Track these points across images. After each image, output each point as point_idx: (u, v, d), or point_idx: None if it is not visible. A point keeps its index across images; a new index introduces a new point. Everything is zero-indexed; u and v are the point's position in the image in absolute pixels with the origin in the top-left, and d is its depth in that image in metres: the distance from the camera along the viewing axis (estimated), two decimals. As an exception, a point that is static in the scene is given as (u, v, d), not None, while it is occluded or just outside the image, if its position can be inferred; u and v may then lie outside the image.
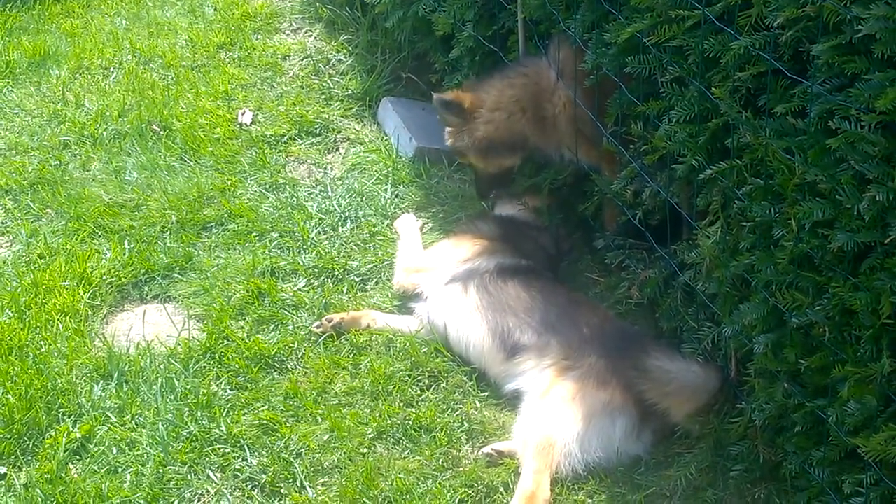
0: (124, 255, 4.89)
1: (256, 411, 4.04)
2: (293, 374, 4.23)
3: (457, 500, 3.69)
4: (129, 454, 3.89)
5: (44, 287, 4.68)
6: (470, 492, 3.73)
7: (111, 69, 6.55)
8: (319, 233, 5.00)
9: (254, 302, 4.57)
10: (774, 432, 3.54)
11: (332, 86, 6.09)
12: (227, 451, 3.89)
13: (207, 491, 3.76)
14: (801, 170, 3.02)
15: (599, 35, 4.03)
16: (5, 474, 3.84)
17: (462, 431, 3.97)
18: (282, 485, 3.77)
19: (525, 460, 3.72)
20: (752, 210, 3.26)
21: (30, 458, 3.91)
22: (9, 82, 6.52)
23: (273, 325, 4.47)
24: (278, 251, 4.89)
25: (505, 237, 4.67)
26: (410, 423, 3.97)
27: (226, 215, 5.13)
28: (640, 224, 4.15)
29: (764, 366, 3.40)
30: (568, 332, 4.12)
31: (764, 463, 3.60)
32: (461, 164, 5.17)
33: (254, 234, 5.01)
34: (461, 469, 3.81)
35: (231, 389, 4.16)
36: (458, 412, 4.05)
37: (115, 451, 3.89)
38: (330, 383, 4.17)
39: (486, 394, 4.15)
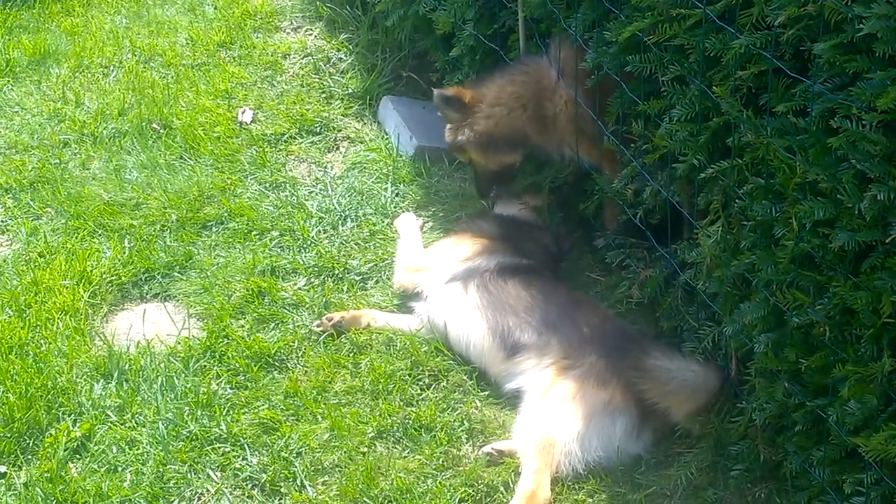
0: (124, 253, 4.89)
1: (256, 410, 4.04)
2: (293, 372, 4.23)
3: (457, 500, 3.69)
4: (129, 453, 3.89)
5: (44, 286, 4.67)
6: (470, 491, 3.73)
7: (111, 68, 6.55)
8: (320, 232, 5.00)
9: (254, 301, 4.57)
10: (775, 432, 3.54)
11: (332, 84, 6.09)
12: (227, 450, 3.89)
13: (207, 490, 3.76)
14: (802, 169, 3.02)
15: (600, 34, 4.03)
16: (5, 473, 3.84)
17: (462, 430, 3.96)
18: (282, 484, 3.77)
19: (525, 459, 3.72)
20: (752, 209, 3.26)
21: (30, 456, 3.91)
22: (9, 81, 6.52)
23: (273, 324, 4.47)
24: (278, 250, 4.89)
25: (505, 236, 4.66)
26: (411, 422, 3.97)
27: (226, 214, 5.13)
28: (641, 223, 4.14)
29: (764, 365, 3.40)
30: (568, 331, 4.12)
31: (764, 462, 3.59)
32: (461, 163, 5.17)
33: (254, 232, 5.01)
34: (461, 468, 3.81)
35: (231, 388, 4.16)
36: (458, 411, 4.04)
37: (115, 450, 3.89)
38: (330, 382, 4.17)
39: (487, 393, 4.15)
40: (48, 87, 6.40)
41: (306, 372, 4.24)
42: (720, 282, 3.56)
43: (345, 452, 3.86)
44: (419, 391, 4.14)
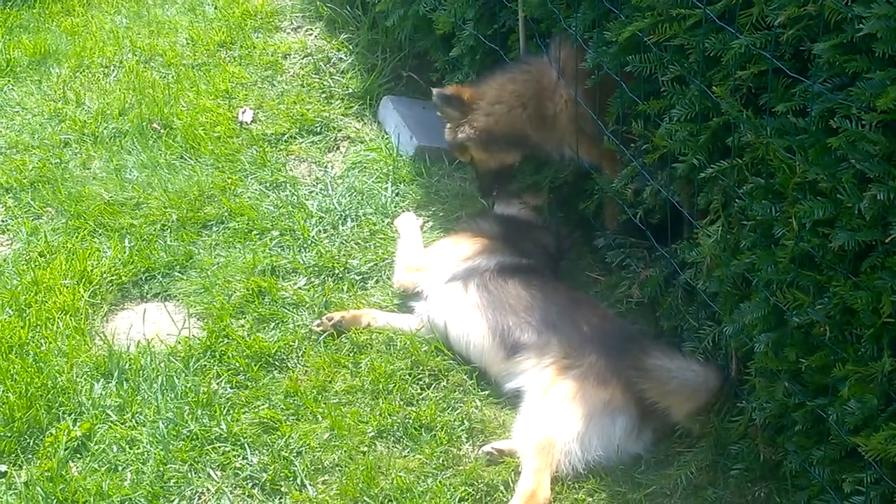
0: (125, 253, 4.89)
1: (257, 410, 4.04)
2: (293, 372, 4.23)
3: (457, 499, 3.69)
4: (129, 452, 3.89)
5: (44, 285, 4.67)
6: (470, 490, 3.73)
7: (112, 67, 6.55)
8: (320, 231, 5.00)
9: (254, 300, 4.57)
10: (775, 431, 3.54)
11: (332, 84, 6.09)
12: (227, 449, 3.89)
13: (208, 489, 3.76)
14: (802, 169, 3.02)
15: (600, 34, 4.03)
16: (6, 472, 3.84)
17: (462, 430, 3.97)
18: (282, 483, 3.78)
19: (525, 459, 3.73)
20: (752, 209, 3.26)
21: (30, 456, 3.91)
22: (9, 80, 6.52)
23: (273, 324, 4.47)
24: (279, 249, 4.89)
25: (505, 236, 4.67)
26: (411, 421, 3.97)
27: (226, 214, 5.13)
28: (641, 223, 4.15)
29: (764, 365, 3.40)
30: (568, 330, 4.12)
31: (764, 462, 3.60)
32: (462, 162, 5.17)
33: (254, 232, 5.01)
34: (461, 468, 3.82)
35: (231, 388, 4.16)
36: (458, 411, 4.05)
37: (115, 450, 3.89)
38: (330, 382, 4.17)
39: (487, 392, 4.15)
40: (49, 87, 6.40)
41: (306, 371, 4.24)
42: (720, 281, 3.56)
43: (345, 452, 3.86)
44: (419, 391, 4.14)
